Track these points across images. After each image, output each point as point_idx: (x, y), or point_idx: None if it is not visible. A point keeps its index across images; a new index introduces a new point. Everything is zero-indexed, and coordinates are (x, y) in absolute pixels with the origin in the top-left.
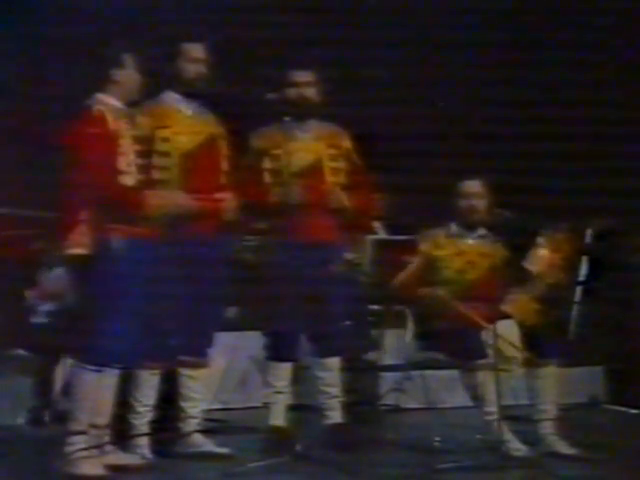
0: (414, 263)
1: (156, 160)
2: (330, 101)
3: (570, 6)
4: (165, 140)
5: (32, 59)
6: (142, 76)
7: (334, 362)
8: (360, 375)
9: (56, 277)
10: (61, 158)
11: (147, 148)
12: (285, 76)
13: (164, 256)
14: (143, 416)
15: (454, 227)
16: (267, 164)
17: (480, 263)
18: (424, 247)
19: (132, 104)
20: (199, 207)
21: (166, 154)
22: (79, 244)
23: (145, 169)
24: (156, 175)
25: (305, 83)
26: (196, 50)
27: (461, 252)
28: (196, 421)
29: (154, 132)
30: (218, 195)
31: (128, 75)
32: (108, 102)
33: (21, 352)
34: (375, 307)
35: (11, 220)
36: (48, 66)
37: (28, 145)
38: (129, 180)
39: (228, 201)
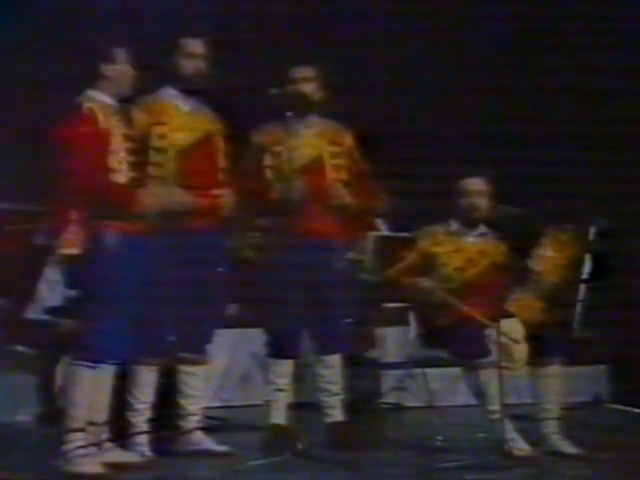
0: (409, 258)
1: (152, 156)
2: (332, 98)
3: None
4: (161, 137)
5: (23, 54)
6: (135, 71)
7: (335, 360)
8: (361, 373)
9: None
10: (53, 156)
11: (143, 144)
12: (286, 72)
13: (159, 252)
14: (141, 413)
15: (454, 224)
16: (268, 161)
17: (480, 261)
18: (422, 243)
19: (127, 100)
20: (195, 204)
21: (162, 150)
22: (72, 244)
23: (139, 166)
24: (152, 172)
25: (306, 79)
26: (194, 45)
27: (461, 250)
28: (196, 418)
29: (150, 128)
30: (215, 192)
31: (120, 70)
32: (99, 99)
33: (20, 348)
34: (377, 304)
35: (11, 214)
36: (40, 62)
37: (21, 141)
38: (120, 177)
39: (225, 198)
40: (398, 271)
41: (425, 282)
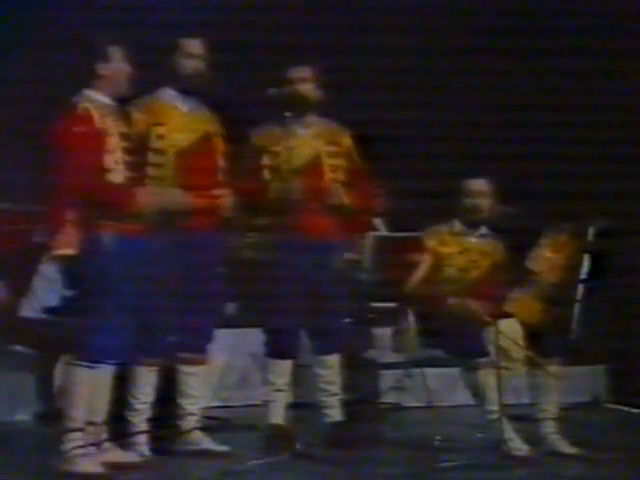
0: (424, 262)
1: (151, 157)
2: (330, 100)
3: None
4: (160, 137)
5: (20, 53)
6: (132, 70)
7: (334, 360)
8: (360, 373)
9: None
10: (49, 156)
11: (142, 145)
12: (283, 72)
13: (157, 253)
14: (141, 413)
15: (457, 225)
16: (266, 161)
17: (482, 262)
18: (431, 244)
19: (125, 99)
20: (194, 204)
21: (161, 151)
22: (68, 244)
23: (136, 166)
24: (151, 172)
25: (303, 79)
26: (193, 46)
27: (464, 250)
28: (195, 418)
29: (149, 129)
30: (214, 192)
31: (116, 69)
32: (95, 98)
33: (19, 348)
34: (375, 304)
35: (10, 214)
36: (38, 61)
37: (18, 141)
38: (117, 177)
39: (224, 198)
40: (420, 278)
41: (472, 304)
